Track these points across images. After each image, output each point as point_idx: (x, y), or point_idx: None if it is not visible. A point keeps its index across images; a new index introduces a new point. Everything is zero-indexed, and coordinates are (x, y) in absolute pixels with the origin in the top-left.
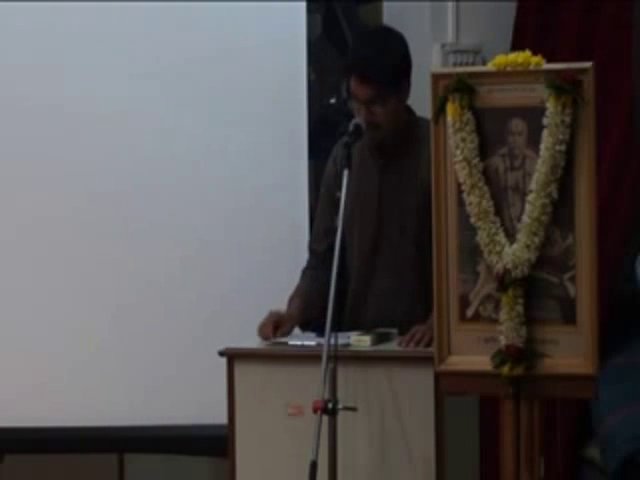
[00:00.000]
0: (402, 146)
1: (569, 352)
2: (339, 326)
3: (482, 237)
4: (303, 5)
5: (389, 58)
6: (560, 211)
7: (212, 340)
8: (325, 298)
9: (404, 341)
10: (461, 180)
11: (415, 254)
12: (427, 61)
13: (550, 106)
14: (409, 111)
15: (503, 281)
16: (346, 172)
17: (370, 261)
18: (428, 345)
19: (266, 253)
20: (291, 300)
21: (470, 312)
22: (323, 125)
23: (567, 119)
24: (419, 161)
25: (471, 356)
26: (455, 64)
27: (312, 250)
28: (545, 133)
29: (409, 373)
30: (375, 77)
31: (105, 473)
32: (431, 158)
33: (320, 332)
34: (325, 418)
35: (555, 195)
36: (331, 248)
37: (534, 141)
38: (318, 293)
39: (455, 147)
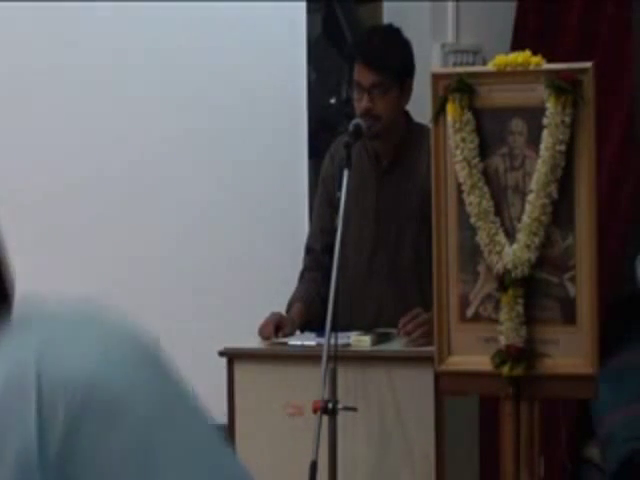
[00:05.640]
0: (400, 150)
1: (569, 352)
2: (336, 326)
3: (482, 237)
4: (303, 5)
5: (397, 50)
6: (560, 211)
7: (212, 340)
8: (324, 301)
9: (405, 319)
10: (461, 180)
11: (412, 257)
12: (427, 61)
13: (550, 106)
14: (407, 117)
15: (503, 281)
16: (346, 172)
17: (367, 263)
18: (425, 336)
19: (266, 253)
20: (291, 304)
21: (470, 312)
22: (323, 125)
23: (567, 119)
24: (417, 165)
25: (471, 356)
26: (455, 64)
27: (309, 249)
28: (545, 133)
29: (409, 373)
30: (381, 65)
31: None
32: (429, 162)
33: (320, 332)
34: (325, 418)
35: (555, 195)
36: (328, 247)
37: (534, 141)
38: (317, 296)
39: (455, 147)
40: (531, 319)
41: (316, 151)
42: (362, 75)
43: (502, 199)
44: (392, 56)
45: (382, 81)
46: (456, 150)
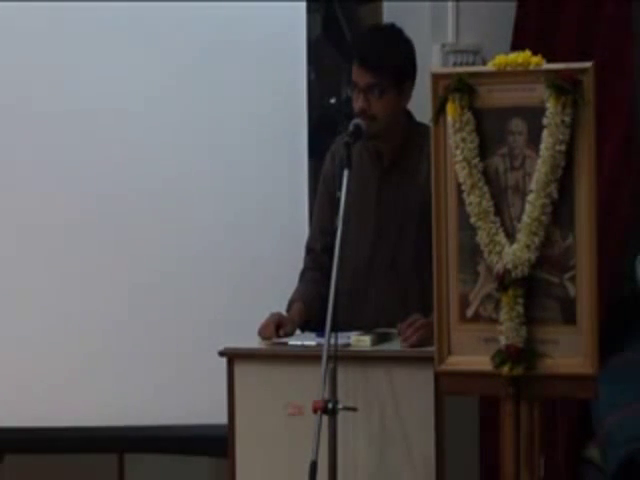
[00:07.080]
0: (402, 150)
1: (569, 352)
2: (336, 326)
3: (482, 237)
4: (303, 5)
5: (394, 51)
6: (560, 211)
7: (212, 340)
8: (324, 300)
9: (403, 326)
10: (461, 180)
11: (412, 257)
12: (427, 61)
13: (550, 106)
14: (409, 117)
15: (503, 281)
16: (346, 172)
17: (367, 262)
18: (423, 340)
19: (266, 253)
20: (291, 303)
21: (470, 312)
22: (323, 125)
23: (567, 119)
24: (418, 165)
25: (471, 356)
26: (455, 64)
27: (309, 249)
28: (545, 133)
29: (409, 373)
30: (376, 65)
31: (105, 473)
32: (430, 162)
33: (320, 332)
34: (325, 418)
35: (555, 195)
36: (328, 247)
37: (534, 141)
38: (317, 295)
39: (455, 147)
40: (531, 319)
41: (316, 151)
42: (358, 76)
43: (502, 199)
44: (390, 57)
45: (378, 83)
46: (456, 150)
